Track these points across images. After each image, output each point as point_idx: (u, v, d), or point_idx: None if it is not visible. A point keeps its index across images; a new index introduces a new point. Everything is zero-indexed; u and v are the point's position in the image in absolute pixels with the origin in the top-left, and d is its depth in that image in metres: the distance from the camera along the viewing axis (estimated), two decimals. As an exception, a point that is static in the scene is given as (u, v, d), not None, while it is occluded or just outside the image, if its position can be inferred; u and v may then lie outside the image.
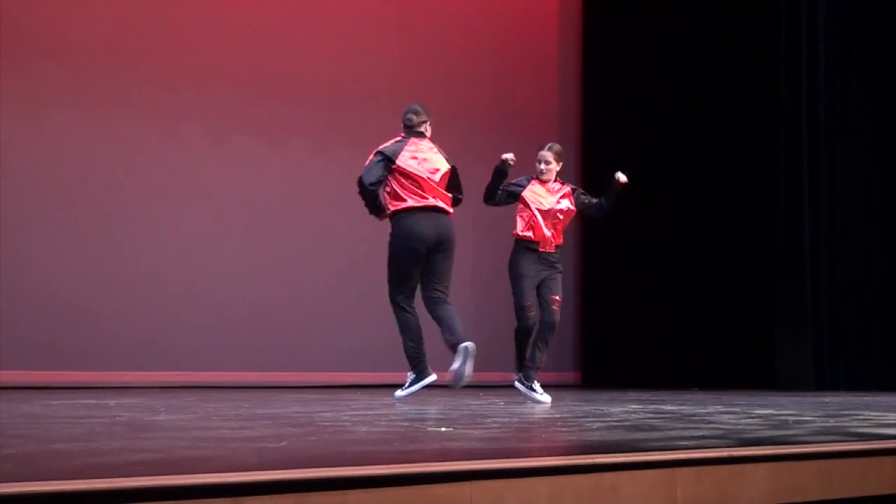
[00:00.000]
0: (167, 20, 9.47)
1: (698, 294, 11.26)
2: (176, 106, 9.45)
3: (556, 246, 6.82)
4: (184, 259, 9.40)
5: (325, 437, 3.57)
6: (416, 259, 6.44)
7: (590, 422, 4.53)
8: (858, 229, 10.59)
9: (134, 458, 2.71)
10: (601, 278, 11.56)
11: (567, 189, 6.93)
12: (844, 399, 7.59)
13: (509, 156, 6.69)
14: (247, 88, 9.79)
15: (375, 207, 6.49)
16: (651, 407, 5.89)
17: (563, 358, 11.14)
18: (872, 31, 10.65)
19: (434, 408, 5.84)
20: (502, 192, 6.83)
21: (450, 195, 6.59)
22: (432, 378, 6.39)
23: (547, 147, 6.91)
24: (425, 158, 6.50)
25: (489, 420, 4.60)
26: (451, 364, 6.16)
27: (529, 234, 6.75)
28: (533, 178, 6.87)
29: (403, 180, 6.43)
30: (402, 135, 6.57)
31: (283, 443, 3.21)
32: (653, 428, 4.09)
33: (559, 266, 6.86)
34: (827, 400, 7.39)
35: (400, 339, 6.54)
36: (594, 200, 6.99)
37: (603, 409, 5.63)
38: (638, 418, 4.75)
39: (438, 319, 6.46)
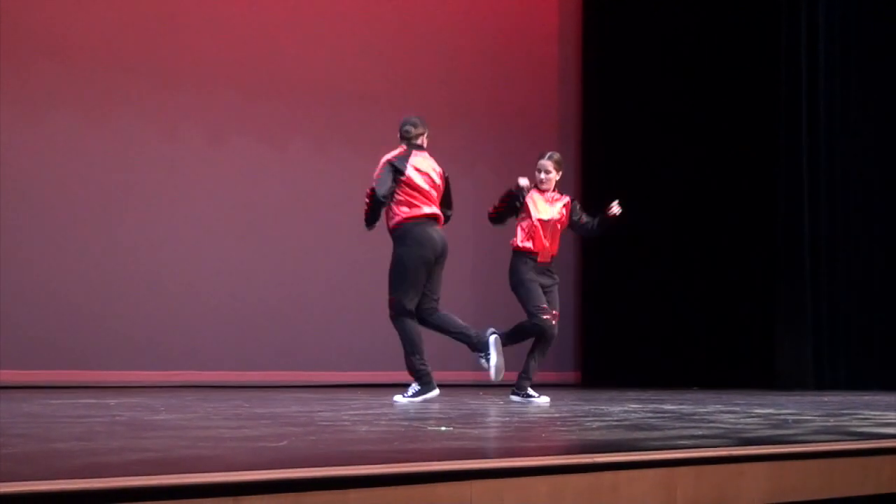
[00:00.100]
0: (167, 20, 9.46)
1: (698, 294, 11.25)
2: (176, 106, 9.45)
3: (552, 257, 6.83)
4: (184, 259, 9.40)
5: (325, 437, 3.57)
6: (427, 267, 6.51)
7: (589, 421, 4.53)
8: (858, 229, 10.60)
9: (134, 458, 2.71)
10: (601, 278, 11.56)
11: (566, 199, 6.91)
12: (844, 398, 7.59)
13: (525, 182, 6.68)
14: (247, 89, 9.78)
15: (375, 217, 6.54)
16: (651, 406, 5.89)
17: (563, 358, 11.14)
18: (872, 31, 10.66)
19: (434, 407, 5.85)
20: (507, 210, 6.79)
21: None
22: (437, 393, 6.44)
23: (547, 156, 6.86)
24: (426, 171, 6.57)
25: (489, 419, 4.60)
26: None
27: (529, 244, 6.73)
28: (532, 188, 6.84)
29: (411, 191, 6.49)
30: (404, 146, 6.60)
31: (283, 442, 3.21)
32: (652, 427, 4.09)
33: (556, 277, 6.87)
34: (826, 399, 7.40)
35: (400, 337, 6.56)
36: (586, 219, 6.93)
37: (603, 409, 5.63)
38: (638, 418, 4.75)
39: (440, 328, 6.56)
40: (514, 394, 6.77)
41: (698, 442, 3.42)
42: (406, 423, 4.43)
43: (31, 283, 8.64)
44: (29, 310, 8.58)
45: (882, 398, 7.60)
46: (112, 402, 5.97)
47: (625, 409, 5.63)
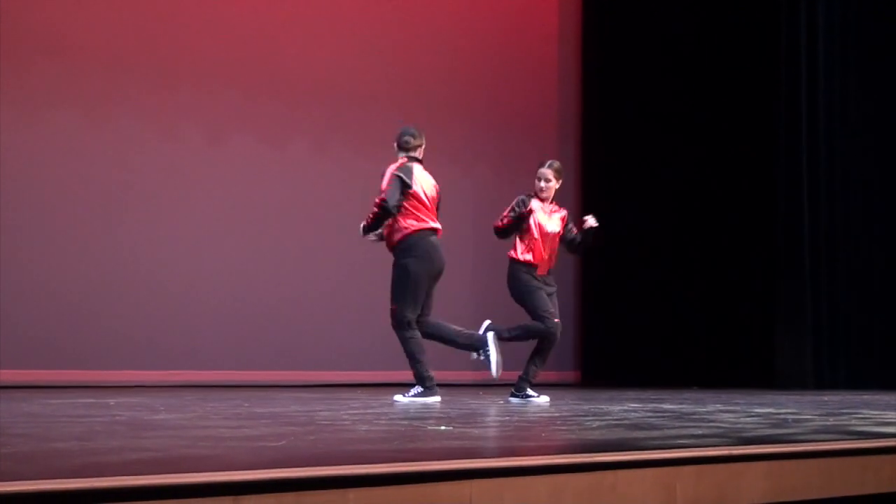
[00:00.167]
0: (167, 20, 9.46)
1: (698, 294, 11.26)
2: (175, 106, 9.45)
3: (550, 269, 6.83)
4: (184, 259, 9.40)
5: (325, 436, 3.57)
6: (432, 278, 6.58)
7: (589, 421, 4.53)
8: (858, 229, 10.60)
9: (133, 458, 2.71)
10: (601, 278, 11.56)
11: (564, 212, 6.91)
12: (844, 398, 7.59)
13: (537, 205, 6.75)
14: (247, 88, 9.78)
15: (377, 227, 6.59)
16: (651, 406, 5.89)
17: (563, 357, 11.14)
18: (872, 31, 10.66)
19: (434, 407, 5.85)
20: (514, 227, 6.79)
21: None
22: (437, 400, 6.46)
23: (547, 164, 6.84)
24: (427, 185, 6.62)
25: (489, 419, 4.60)
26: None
27: (529, 256, 6.72)
28: (531, 196, 6.83)
29: (417, 204, 6.53)
30: (405, 157, 6.61)
31: (283, 442, 3.21)
32: (652, 427, 4.09)
33: (555, 285, 6.89)
34: (826, 399, 7.40)
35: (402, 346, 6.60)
36: (573, 235, 6.93)
37: (603, 408, 5.63)
38: (637, 417, 4.75)
39: (433, 335, 6.61)
40: (513, 395, 6.78)
41: (698, 441, 3.42)
42: (406, 422, 4.42)
43: (31, 283, 8.64)
44: (29, 310, 8.58)
45: (882, 397, 7.60)
46: (111, 401, 5.97)
47: (625, 408, 5.63)
